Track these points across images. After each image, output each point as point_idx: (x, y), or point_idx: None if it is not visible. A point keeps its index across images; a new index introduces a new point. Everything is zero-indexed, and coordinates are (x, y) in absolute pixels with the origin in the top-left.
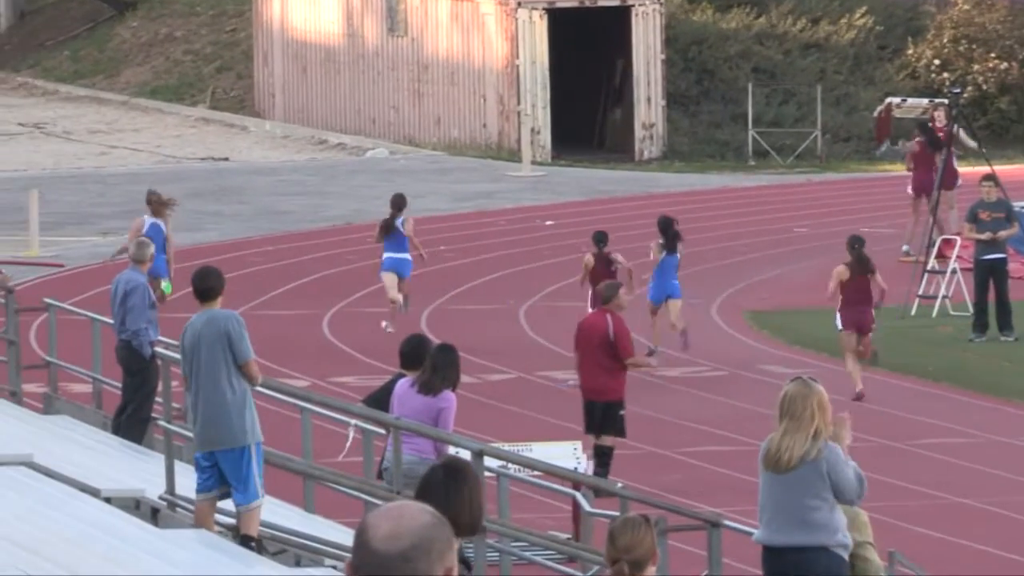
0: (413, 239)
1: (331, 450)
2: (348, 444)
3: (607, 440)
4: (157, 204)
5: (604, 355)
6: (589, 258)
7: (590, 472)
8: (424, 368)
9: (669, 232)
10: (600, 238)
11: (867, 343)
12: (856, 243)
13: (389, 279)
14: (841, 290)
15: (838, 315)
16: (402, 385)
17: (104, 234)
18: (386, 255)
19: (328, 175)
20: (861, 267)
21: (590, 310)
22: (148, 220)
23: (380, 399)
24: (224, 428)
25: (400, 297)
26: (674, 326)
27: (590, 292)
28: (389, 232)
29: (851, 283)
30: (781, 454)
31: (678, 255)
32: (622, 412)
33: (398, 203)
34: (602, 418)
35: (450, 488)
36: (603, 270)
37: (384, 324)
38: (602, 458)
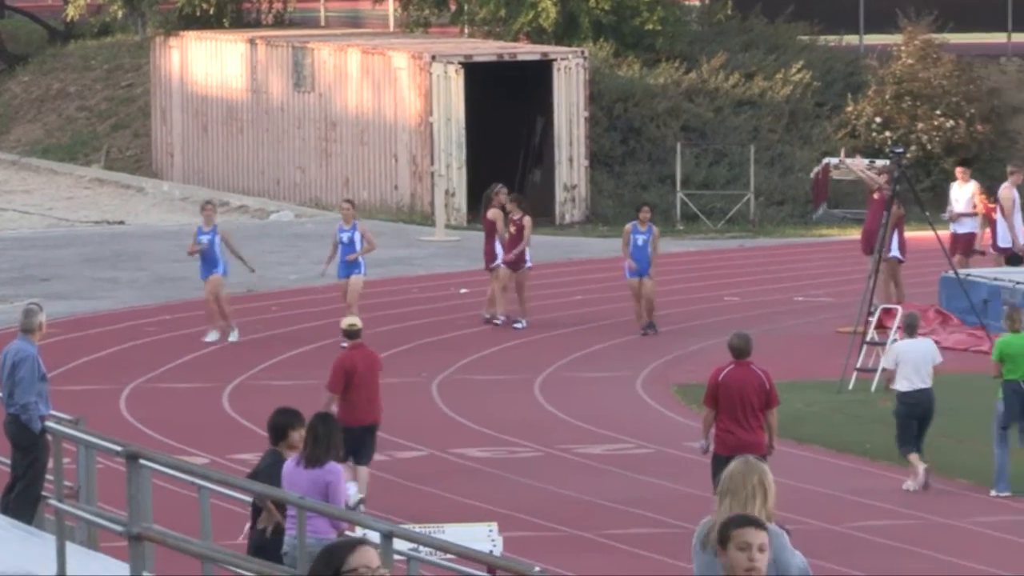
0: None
1: (232, 531)
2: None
3: None
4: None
5: (759, 409)
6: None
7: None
8: (305, 441)
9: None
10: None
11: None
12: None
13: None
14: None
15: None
16: (289, 465)
17: None
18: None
19: None
20: (508, 214)
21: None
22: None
23: (257, 478)
24: None
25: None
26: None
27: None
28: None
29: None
30: None
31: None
32: None
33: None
34: None
35: None
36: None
37: None
38: None
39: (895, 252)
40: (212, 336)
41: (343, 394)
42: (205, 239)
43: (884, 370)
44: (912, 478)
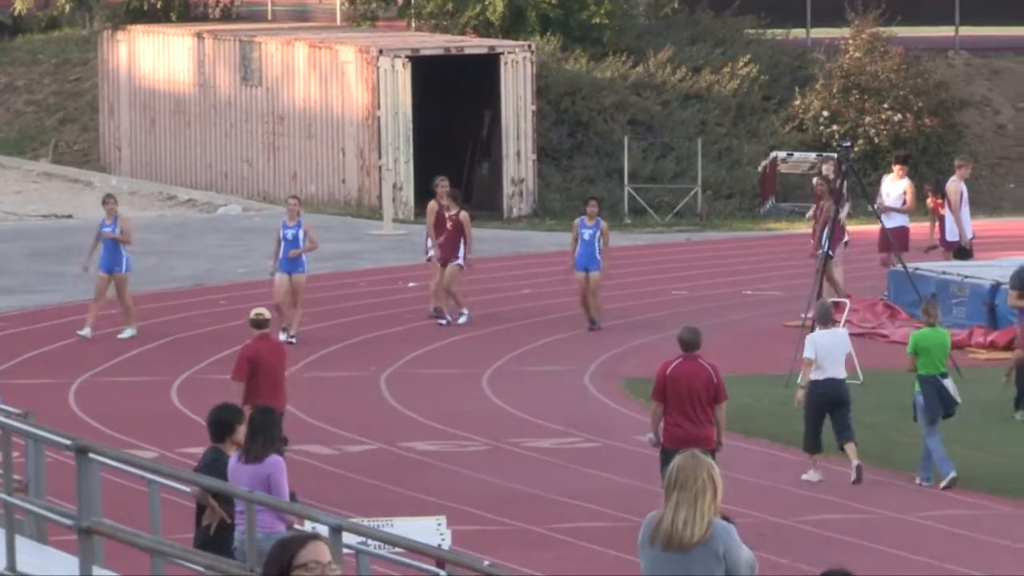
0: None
1: (181, 526)
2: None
3: None
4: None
5: (707, 403)
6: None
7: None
8: (245, 436)
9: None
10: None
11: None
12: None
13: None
14: (436, 228)
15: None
16: (232, 461)
17: None
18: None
19: (177, 233)
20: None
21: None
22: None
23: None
24: None
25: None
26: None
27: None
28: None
29: (440, 222)
30: (682, 529)
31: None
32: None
33: None
34: None
35: None
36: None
37: None
38: None
39: (825, 248)
40: (129, 333)
41: (248, 383)
42: (107, 231)
43: (807, 360)
44: (814, 469)
